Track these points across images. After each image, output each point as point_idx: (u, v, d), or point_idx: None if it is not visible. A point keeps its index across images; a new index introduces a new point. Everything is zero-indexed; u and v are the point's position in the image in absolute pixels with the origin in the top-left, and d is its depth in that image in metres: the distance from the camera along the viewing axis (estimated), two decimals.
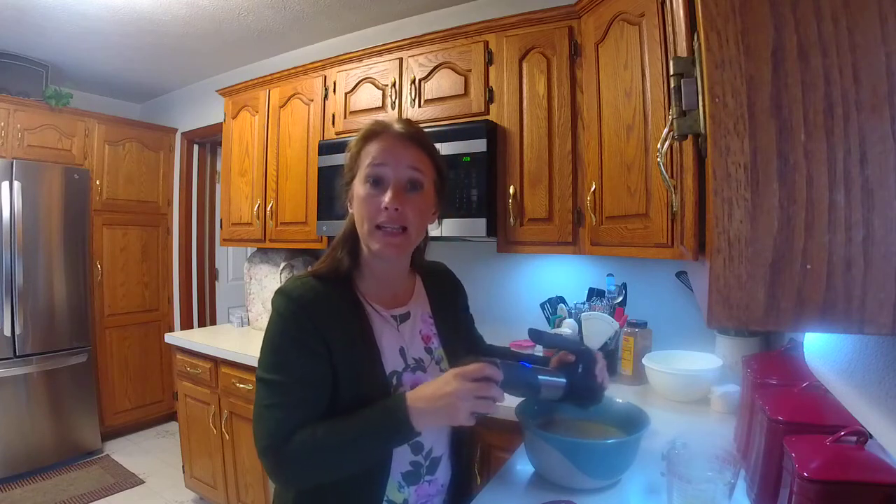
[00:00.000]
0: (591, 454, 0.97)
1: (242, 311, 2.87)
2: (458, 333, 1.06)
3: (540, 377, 0.90)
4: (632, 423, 1.05)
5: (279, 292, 0.87)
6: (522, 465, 1.10)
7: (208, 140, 3.74)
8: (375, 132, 0.89)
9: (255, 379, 0.87)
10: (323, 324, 0.84)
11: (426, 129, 1.92)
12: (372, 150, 0.88)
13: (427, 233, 0.99)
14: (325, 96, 2.34)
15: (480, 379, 0.77)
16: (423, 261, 1.06)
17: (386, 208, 0.84)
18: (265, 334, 0.86)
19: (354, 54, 2.25)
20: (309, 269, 0.95)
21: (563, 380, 0.93)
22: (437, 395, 0.78)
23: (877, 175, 0.36)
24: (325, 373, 0.84)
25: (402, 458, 0.88)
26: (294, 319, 0.84)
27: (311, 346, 0.83)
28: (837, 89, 0.36)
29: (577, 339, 0.99)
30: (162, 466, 3.07)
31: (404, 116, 2.08)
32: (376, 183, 0.87)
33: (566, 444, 0.97)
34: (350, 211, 0.93)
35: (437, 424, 0.81)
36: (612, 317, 1.77)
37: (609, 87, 1.62)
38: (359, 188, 0.88)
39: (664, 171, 0.68)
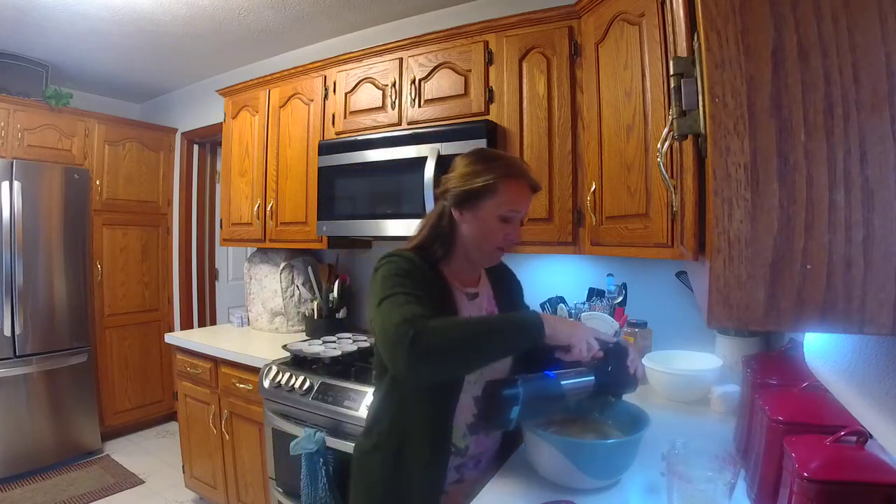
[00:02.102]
0: (592, 454, 0.97)
1: (242, 311, 2.87)
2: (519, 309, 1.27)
3: (564, 383, 0.95)
4: (633, 423, 1.05)
5: (388, 254, 1.07)
6: (523, 465, 1.10)
7: (208, 140, 3.74)
8: (517, 176, 1.08)
9: (373, 313, 0.99)
10: (422, 279, 1.03)
11: (426, 129, 1.95)
12: (512, 191, 1.06)
13: None
14: (325, 96, 2.34)
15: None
16: None
17: (510, 240, 1.09)
18: (377, 279, 1.03)
19: (354, 54, 2.25)
20: (405, 246, 1.14)
21: (591, 378, 0.98)
22: (567, 320, 1.01)
23: (877, 175, 0.36)
24: (429, 296, 0.99)
25: (467, 411, 1.08)
26: (407, 265, 1.04)
27: (418, 278, 1.02)
28: (837, 89, 0.36)
29: (611, 334, 1.05)
30: (162, 466, 3.07)
31: (404, 116, 2.09)
32: (509, 220, 1.07)
33: (566, 445, 0.98)
34: (458, 219, 1.10)
35: (562, 334, 0.96)
36: (612, 317, 1.77)
37: (609, 87, 1.62)
38: (491, 217, 1.06)
39: (664, 171, 0.68)
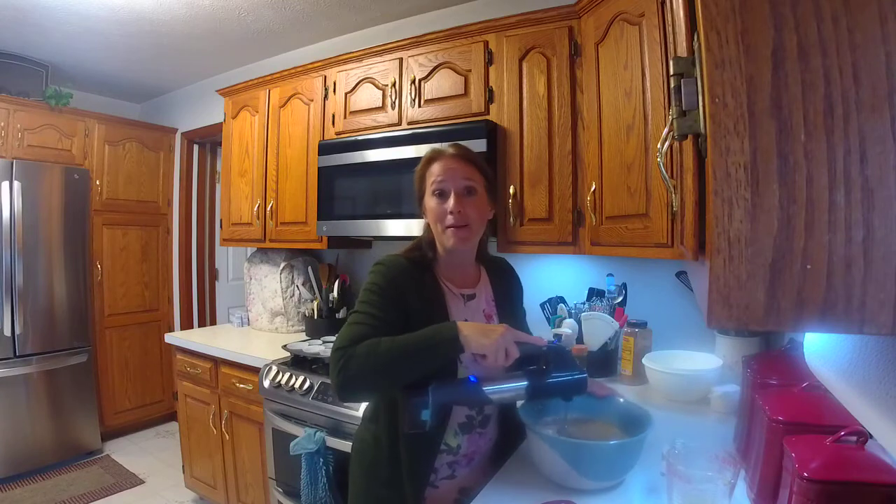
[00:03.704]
0: (591, 456, 0.97)
1: (242, 311, 2.87)
2: (514, 317, 1.27)
3: (486, 388, 0.99)
4: (636, 423, 1.04)
5: (377, 262, 1.13)
6: (523, 465, 1.10)
7: (208, 140, 3.74)
8: (434, 157, 1.15)
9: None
10: (403, 287, 1.09)
11: (426, 129, 1.95)
12: (434, 170, 1.14)
13: (487, 231, 1.22)
14: (325, 96, 2.34)
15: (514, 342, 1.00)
16: (486, 255, 1.29)
17: (451, 212, 1.10)
18: (361, 290, 1.11)
19: (354, 54, 2.25)
20: (399, 252, 1.19)
21: (524, 383, 1.00)
22: (486, 327, 1.01)
23: (877, 175, 0.36)
24: (397, 318, 1.06)
25: (459, 411, 1.12)
26: (384, 278, 1.09)
27: (392, 297, 1.07)
28: (837, 89, 0.36)
29: (542, 343, 1.05)
30: (162, 466, 3.07)
31: (404, 116, 2.09)
32: (441, 195, 1.12)
33: (565, 446, 0.97)
34: (425, 219, 1.18)
35: (476, 345, 0.98)
36: (612, 317, 1.77)
37: (609, 87, 1.62)
38: (429, 201, 1.14)
39: (664, 171, 0.68)
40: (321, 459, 1.73)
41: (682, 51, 0.54)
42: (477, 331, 0.99)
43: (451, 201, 1.11)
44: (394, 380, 0.99)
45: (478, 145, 1.78)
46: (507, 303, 1.26)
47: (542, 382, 1.00)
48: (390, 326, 1.04)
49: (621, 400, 1.15)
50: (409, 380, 0.99)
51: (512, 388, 1.01)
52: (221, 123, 2.84)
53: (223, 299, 3.88)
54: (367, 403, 1.23)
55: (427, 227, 1.19)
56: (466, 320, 1.12)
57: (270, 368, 2.03)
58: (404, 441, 1.07)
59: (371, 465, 1.14)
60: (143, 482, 2.87)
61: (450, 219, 1.10)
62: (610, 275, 1.90)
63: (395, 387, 1.01)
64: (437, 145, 1.19)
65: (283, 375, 1.96)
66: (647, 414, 1.05)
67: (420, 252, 1.18)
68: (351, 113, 2.24)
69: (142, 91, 3.81)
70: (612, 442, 1.01)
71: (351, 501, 1.19)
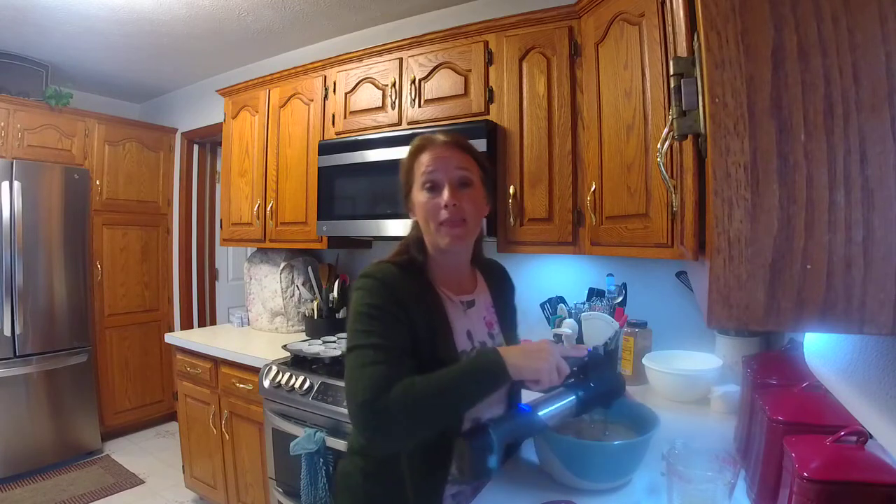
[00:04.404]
0: (596, 457, 0.97)
1: (242, 311, 2.87)
2: (513, 323, 1.20)
3: (541, 414, 0.89)
4: (644, 423, 1.03)
5: (363, 275, 0.98)
6: (523, 465, 1.10)
7: (208, 140, 3.74)
8: (423, 145, 1.02)
9: (346, 352, 0.93)
10: (403, 300, 0.94)
11: (426, 129, 1.95)
12: (424, 160, 1.00)
13: (483, 230, 1.12)
14: (325, 96, 2.34)
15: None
16: (481, 257, 1.17)
17: (446, 206, 0.97)
18: (352, 311, 0.95)
19: (354, 54, 2.25)
20: (386, 258, 1.05)
21: (572, 398, 0.93)
22: (530, 349, 0.91)
23: (877, 175, 0.36)
24: (406, 339, 0.93)
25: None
26: (380, 294, 0.94)
27: (396, 315, 0.93)
28: (837, 89, 0.36)
29: (583, 353, 0.98)
30: (162, 466, 3.07)
31: (404, 116, 2.09)
32: (433, 188, 0.99)
33: (570, 446, 0.97)
34: (413, 217, 1.05)
35: (526, 371, 0.88)
36: (612, 317, 1.77)
37: (609, 87, 1.62)
38: (418, 195, 1.01)
39: (664, 171, 0.68)
40: (321, 459, 1.73)
41: (682, 51, 0.54)
42: (523, 356, 0.89)
43: (444, 194, 0.97)
44: (438, 427, 0.89)
45: (478, 145, 1.77)
46: (506, 309, 1.18)
47: (589, 394, 0.93)
48: (404, 353, 0.92)
49: (628, 399, 1.14)
50: (453, 423, 0.90)
51: (563, 407, 0.92)
52: (221, 123, 2.84)
53: (223, 299, 3.88)
54: (352, 435, 1.11)
55: (415, 226, 1.06)
56: (469, 331, 1.04)
57: (270, 368, 2.03)
58: (410, 478, 0.95)
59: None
60: (143, 482, 2.87)
61: (444, 214, 0.97)
62: (610, 275, 1.90)
63: (445, 426, 0.91)
64: (430, 135, 1.05)
65: (283, 375, 1.96)
66: (654, 415, 1.04)
67: (409, 255, 1.04)
68: (351, 113, 2.24)
69: (142, 91, 3.81)
70: (616, 442, 1.00)
71: None
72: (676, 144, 0.68)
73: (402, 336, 0.92)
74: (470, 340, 1.04)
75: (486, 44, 1.90)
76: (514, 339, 1.19)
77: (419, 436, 0.90)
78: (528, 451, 1.14)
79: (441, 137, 1.02)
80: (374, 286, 0.95)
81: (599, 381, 0.95)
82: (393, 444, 0.89)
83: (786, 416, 0.81)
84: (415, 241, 1.05)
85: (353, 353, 0.91)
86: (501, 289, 1.19)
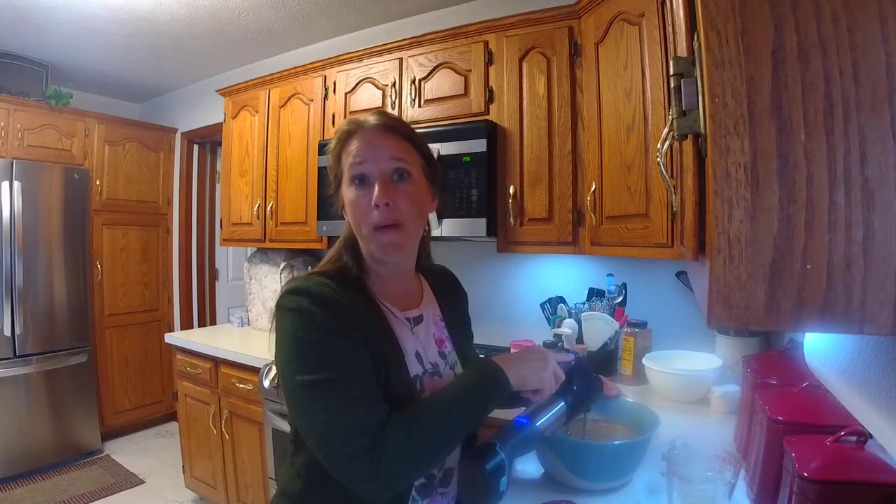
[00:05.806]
0: (595, 457, 0.97)
1: (242, 311, 2.87)
2: (466, 338, 1.05)
3: (539, 424, 0.84)
4: (643, 424, 1.03)
5: (292, 291, 0.78)
6: (522, 465, 1.10)
7: (208, 140, 3.74)
8: (351, 131, 0.85)
9: (287, 389, 0.76)
10: (350, 317, 0.78)
11: (426, 130, 1.95)
12: (352, 148, 0.83)
13: (429, 229, 0.96)
14: (325, 96, 2.34)
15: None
16: (427, 262, 1.01)
17: (377, 206, 0.79)
18: (286, 337, 0.76)
19: (354, 54, 2.25)
20: (310, 269, 0.90)
21: (562, 404, 0.89)
22: (527, 356, 0.85)
23: (877, 175, 0.36)
24: (369, 360, 0.77)
25: None
26: (321, 313, 0.75)
27: (349, 335, 0.76)
28: (837, 89, 0.36)
29: (570, 358, 0.93)
30: (162, 466, 3.07)
31: (405, 116, 2.09)
32: (362, 182, 0.82)
33: (569, 446, 0.97)
34: (345, 217, 0.88)
35: (530, 380, 0.83)
36: (612, 317, 1.77)
37: (609, 87, 1.62)
38: (347, 192, 0.84)
39: (664, 171, 0.68)
40: None
41: (682, 51, 0.54)
42: (524, 365, 0.82)
43: (375, 191, 0.80)
44: (451, 445, 0.79)
45: (478, 145, 1.79)
46: (457, 319, 1.02)
47: (577, 398, 0.91)
48: (370, 377, 0.76)
49: (629, 400, 1.14)
50: (456, 446, 0.82)
51: (556, 414, 0.88)
52: (221, 123, 2.84)
53: (223, 299, 3.88)
54: (279, 468, 0.93)
55: (348, 227, 0.89)
56: (417, 352, 0.88)
57: (270, 368, 2.03)
58: None
59: None
60: (143, 482, 2.87)
61: (375, 215, 0.80)
62: (610, 275, 1.90)
63: (451, 451, 0.82)
64: (361, 116, 0.87)
65: None
66: (654, 415, 1.04)
67: (342, 266, 0.87)
68: (351, 113, 2.24)
69: (142, 91, 3.81)
70: (616, 442, 1.00)
71: None
72: (676, 144, 0.68)
73: (363, 358, 0.77)
74: (420, 363, 0.87)
75: (486, 44, 1.90)
76: (471, 355, 1.03)
77: (425, 472, 0.81)
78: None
79: (372, 120, 0.85)
80: (311, 305, 0.76)
81: (582, 384, 0.93)
82: (398, 488, 0.76)
83: (786, 416, 0.81)
84: (347, 245, 0.89)
85: (304, 391, 0.73)
86: (452, 299, 1.03)
